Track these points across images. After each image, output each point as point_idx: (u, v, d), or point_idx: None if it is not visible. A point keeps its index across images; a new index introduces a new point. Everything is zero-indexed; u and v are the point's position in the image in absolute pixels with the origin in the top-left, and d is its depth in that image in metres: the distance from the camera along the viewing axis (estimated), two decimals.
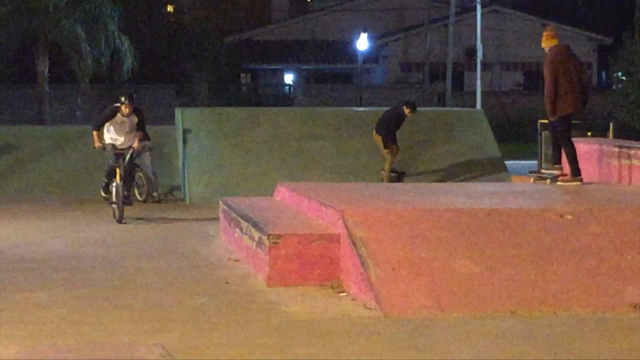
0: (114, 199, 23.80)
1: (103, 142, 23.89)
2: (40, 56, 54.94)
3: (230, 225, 19.19)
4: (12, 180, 29.43)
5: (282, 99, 67.92)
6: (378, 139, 27.97)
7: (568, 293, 13.95)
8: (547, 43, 22.30)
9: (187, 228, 20.76)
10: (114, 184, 23.55)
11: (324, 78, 74.30)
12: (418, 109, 29.21)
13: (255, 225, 16.76)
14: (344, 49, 70.53)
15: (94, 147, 24.03)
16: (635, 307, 13.72)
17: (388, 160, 27.15)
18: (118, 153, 23.51)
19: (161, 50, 63.51)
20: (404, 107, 28.35)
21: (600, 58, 77.80)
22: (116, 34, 55.53)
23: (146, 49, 58.84)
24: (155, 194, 27.62)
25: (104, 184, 24.93)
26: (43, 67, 55.01)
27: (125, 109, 23.15)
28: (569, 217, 15.61)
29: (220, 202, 21.27)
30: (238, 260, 17.63)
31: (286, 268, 15.41)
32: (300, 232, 16.01)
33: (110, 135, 23.96)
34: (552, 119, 21.33)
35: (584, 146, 24.93)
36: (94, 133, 23.68)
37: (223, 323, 12.80)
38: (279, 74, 74.30)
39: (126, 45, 55.87)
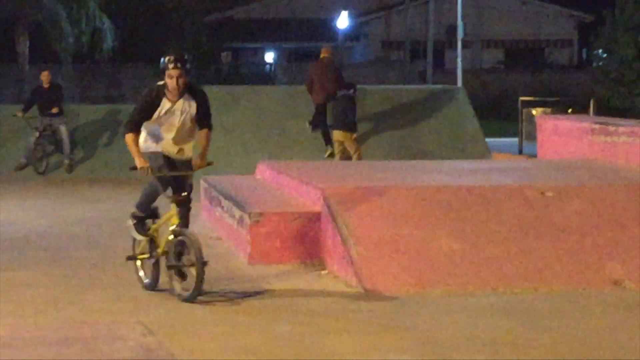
0: (145, 257, 13.54)
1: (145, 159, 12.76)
2: (20, 36, 54.95)
3: (211, 203, 19.22)
4: None
5: (263, 77, 67.97)
6: (345, 136, 26.57)
7: (549, 270, 14.00)
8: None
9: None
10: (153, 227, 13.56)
11: (305, 56, 74.22)
12: (400, 86, 29.04)
13: (236, 203, 16.78)
14: (325, 27, 70.62)
15: (131, 170, 13.22)
16: (615, 283, 13.79)
17: (356, 152, 26.48)
18: (169, 177, 12.99)
19: (142, 30, 63.50)
20: (349, 89, 27.48)
21: (581, 36, 77.89)
22: (97, 12, 55.55)
23: (127, 28, 58.89)
24: None
25: (135, 220, 13.72)
26: (23, 46, 55.03)
27: (173, 82, 12.09)
28: (550, 194, 15.65)
29: (201, 181, 20.89)
30: (219, 239, 17.67)
31: (267, 246, 15.45)
32: (281, 210, 16.06)
33: (152, 135, 12.92)
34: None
35: (564, 123, 24.96)
36: (129, 139, 12.69)
37: (204, 301, 12.84)
38: (260, 53, 74.35)
39: (107, 24, 55.87)
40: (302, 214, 15.77)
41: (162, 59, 12.09)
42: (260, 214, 15.65)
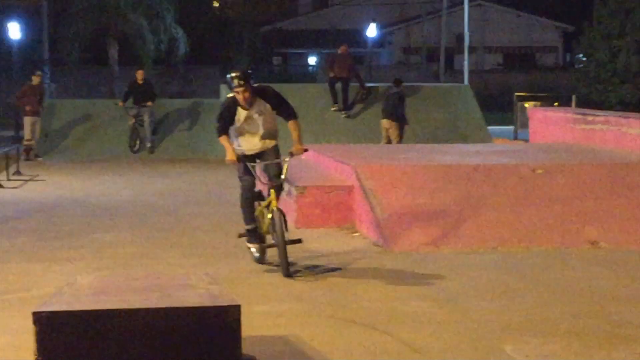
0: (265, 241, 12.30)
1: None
2: (111, 44, 55.04)
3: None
4: (88, 143, 29.42)
5: (307, 77, 67.84)
6: (391, 125, 26.55)
7: (538, 232, 13.97)
8: None
9: (229, 182, 20.72)
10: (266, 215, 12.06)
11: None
12: (418, 84, 29.12)
13: (285, 179, 16.79)
14: (357, 36, 70.19)
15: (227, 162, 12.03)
16: (592, 243, 13.73)
17: (397, 138, 26.52)
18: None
19: (208, 38, 63.30)
20: (397, 86, 27.60)
21: (565, 43, 77.46)
22: (172, 24, 55.59)
23: (196, 37, 58.76)
24: None
25: (247, 221, 12.24)
26: (113, 52, 55.11)
27: (240, 97, 11.34)
28: (540, 171, 15.61)
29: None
30: None
31: (310, 213, 15.47)
32: (320, 184, 16.08)
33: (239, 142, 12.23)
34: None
35: (551, 114, 24.90)
36: (223, 140, 11.81)
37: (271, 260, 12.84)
38: (304, 57, 74.00)
39: (180, 34, 55.92)
40: (337, 187, 15.80)
41: (227, 76, 11.30)
42: (304, 187, 15.69)
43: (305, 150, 11.73)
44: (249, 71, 11.42)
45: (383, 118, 27.07)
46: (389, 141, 26.13)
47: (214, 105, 30.46)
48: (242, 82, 10.98)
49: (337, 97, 30.28)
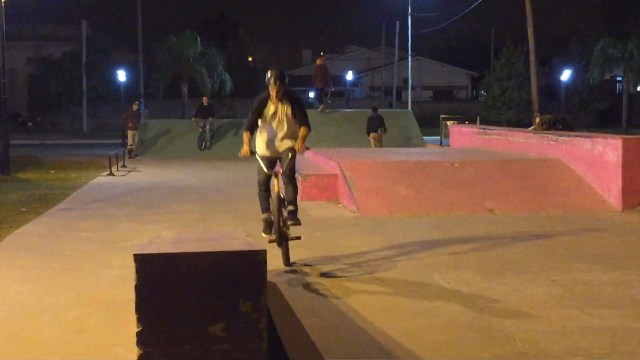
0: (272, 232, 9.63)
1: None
2: (183, 83, 55.13)
3: None
4: (167, 148, 29.45)
5: (308, 106, 68.02)
6: (375, 136, 27.01)
7: (455, 204, 13.95)
8: None
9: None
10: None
11: (330, 95, 74.17)
12: (379, 111, 29.10)
13: (295, 169, 16.82)
14: (341, 79, 70.34)
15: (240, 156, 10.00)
16: (490, 211, 13.72)
17: (379, 142, 27.02)
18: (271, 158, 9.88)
19: (245, 80, 62.89)
20: (375, 111, 28.06)
21: (472, 83, 77.69)
22: (222, 72, 55.59)
23: (237, 79, 58.70)
24: None
25: (262, 211, 9.92)
26: (184, 89, 55.16)
27: (273, 93, 9.38)
28: (456, 165, 15.59)
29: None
30: None
31: (310, 191, 15.43)
32: (317, 173, 16.05)
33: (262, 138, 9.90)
34: None
35: (464, 129, 24.87)
36: (245, 136, 9.93)
37: None
38: (306, 93, 73.88)
39: (227, 77, 55.97)
40: (328, 175, 15.77)
41: (268, 74, 9.10)
42: (307, 175, 15.66)
43: (307, 148, 9.51)
44: (285, 72, 9.30)
45: (370, 132, 27.16)
46: (379, 147, 26.60)
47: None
48: (277, 79, 9.00)
49: (321, 101, 30.71)
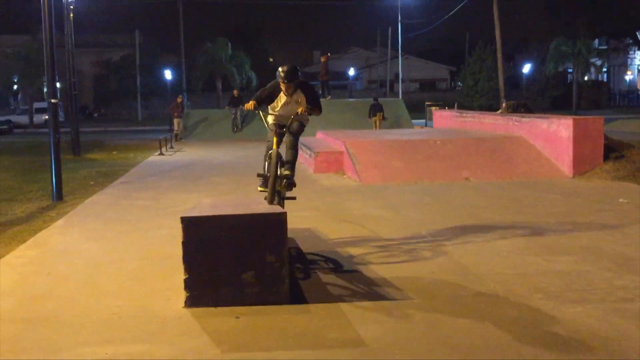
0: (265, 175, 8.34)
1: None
2: (217, 79, 55.10)
3: (300, 148, 19.13)
4: (205, 132, 29.38)
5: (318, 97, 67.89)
6: (379, 116, 27.81)
7: (439, 174, 13.91)
8: None
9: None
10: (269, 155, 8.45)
11: (335, 88, 73.79)
12: (379, 100, 29.33)
13: (309, 147, 16.74)
14: (344, 74, 69.93)
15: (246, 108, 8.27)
16: (466, 179, 13.67)
17: (379, 123, 27.74)
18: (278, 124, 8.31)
19: (267, 77, 62.78)
20: (376, 100, 29.13)
21: (451, 76, 77.17)
22: (248, 69, 55.57)
23: (261, 76, 58.49)
24: None
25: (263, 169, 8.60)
26: (218, 85, 55.11)
27: (284, 88, 7.92)
28: (438, 142, 15.52)
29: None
30: (302, 163, 17.64)
31: (321, 165, 15.41)
32: (326, 150, 15.98)
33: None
34: None
35: (444, 112, 24.76)
36: (251, 104, 8.13)
37: (296, 188, 12.83)
38: (317, 86, 73.70)
39: (253, 75, 55.86)
40: (335, 152, 15.70)
41: (281, 71, 7.61)
42: (318, 152, 15.62)
43: (308, 113, 7.88)
44: (297, 68, 7.79)
45: (373, 116, 27.95)
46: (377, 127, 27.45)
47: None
48: (286, 80, 7.59)
49: (327, 92, 30.56)
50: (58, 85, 14.68)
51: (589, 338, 4.84)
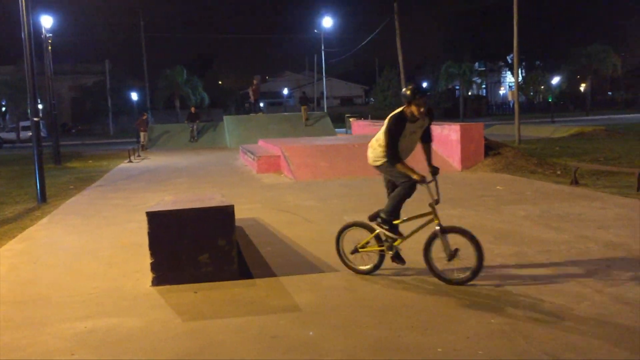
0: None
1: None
2: (175, 99, 54.31)
3: (244, 153, 18.94)
4: (167, 143, 28.64)
5: (260, 112, 67.39)
6: (304, 108, 29.27)
7: (358, 170, 13.95)
8: None
9: (230, 155, 20.36)
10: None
11: (273, 104, 73.46)
12: (309, 113, 29.76)
13: (252, 153, 16.58)
14: (279, 94, 69.83)
15: (415, 182, 5.51)
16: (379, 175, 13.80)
17: (306, 113, 29.06)
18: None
19: (218, 97, 61.96)
20: (305, 94, 31.29)
21: (365, 93, 77.83)
22: (201, 91, 54.92)
23: (213, 96, 57.89)
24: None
25: (388, 226, 5.65)
26: (177, 103, 54.22)
27: (421, 109, 5.10)
28: (356, 145, 15.61)
29: (240, 146, 20.54)
30: (246, 166, 17.49)
31: (262, 167, 15.28)
32: (267, 154, 15.87)
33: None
34: None
35: (360, 122, 25.01)
36: (401, 167, 5.55)
37: (243, 186, 12.69)
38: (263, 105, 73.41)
39: (205, 95, 55.27)
40: (274, 156, 15.60)
41: (407, 91, 5.20)
42: (260, 156, 15.51)
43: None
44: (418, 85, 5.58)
45: (302, 106, 30.04)
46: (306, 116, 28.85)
47: (220, 125, 30.10)
48: (423, 95, 5.19)
49: (257, 110, 31.06)
50: (40, 106, 14.17)
51: (474, 292, 4.97)
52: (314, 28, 55.48)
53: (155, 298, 5.19)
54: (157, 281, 5.51)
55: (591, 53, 57.26)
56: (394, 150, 5.40)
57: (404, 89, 5.36)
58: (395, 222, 5.71)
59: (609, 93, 71.00)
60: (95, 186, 14.13)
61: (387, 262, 5.95)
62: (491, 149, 14.81)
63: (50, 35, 22.43)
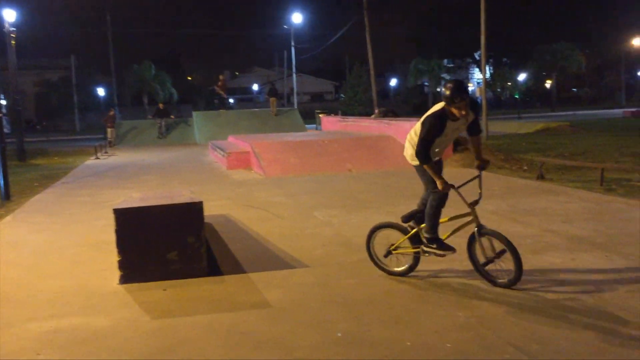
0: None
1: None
2: (143, 95, 53.74)
3: (214, 150, 18.81)
4: (135, 139, 28.25)
5: (230, 108, 66.85)
6: (273, 100, 29.15)
7: (327, 166, 14.01)
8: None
9: (200, 152, 20.17)
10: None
11: (243, 100, 72.95)
12: (279, 109, 29.71)
13: (222, 149, 16.48)
14: (249, 90, 69.50)
15: (440, 190, 5.00)
16: (349, 170, 13.82)
17: (275, 105, 29.05)
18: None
19: (187, 93, 61.27)
20: (274, 85, 31.14)
21: (335, 89, 77.93)
22: (170, 87, 54.31)
23: (182, 92, 57.30)
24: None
25: (435, 244, 5.08)
26: (145, 99, 53.57)
27: (462, 111, 4.64)
28: (326, 141, 15.65)
29: (210, 142, 20.40)
30: (216, 162, 17.36)
31: (233, 163, 15.19)
32: (237, 151, 15.77)
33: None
34: None
35: (330, 118, 25.03)
36: (429, 168, 4.95)
37: (213, 182, 12.59)
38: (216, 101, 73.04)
39: (174, 91, 54.69)
40: (244, 152, 15.52)
41: (447, 91, 4.73)
42: (230, 152, 15.41)
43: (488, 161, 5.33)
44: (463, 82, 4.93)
45: (271, 97, 29.76)
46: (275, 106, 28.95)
47: (190, 121, 29.81)
48: (466, 96, 4.74)
49: (225, 105, 30.57)
50: (3, 102, 13.80)
51: (443, 287, 5.03)
52: (283, 24, 55.35)
53: (123, 296, 5.13)
54: (125, 279, 5.44)
55: (557, 50, 58.46)
56: (425, 150, 4.94)
57: (443, 88, 4.81)
58: (443, 237, 5.20)
59: (574, 90, 72.59)
60: (61, 183, 13.87)
61: (363, 253, 5.99)
62: (459, 144, 14.98)
63: (14, 29, 21.90)
